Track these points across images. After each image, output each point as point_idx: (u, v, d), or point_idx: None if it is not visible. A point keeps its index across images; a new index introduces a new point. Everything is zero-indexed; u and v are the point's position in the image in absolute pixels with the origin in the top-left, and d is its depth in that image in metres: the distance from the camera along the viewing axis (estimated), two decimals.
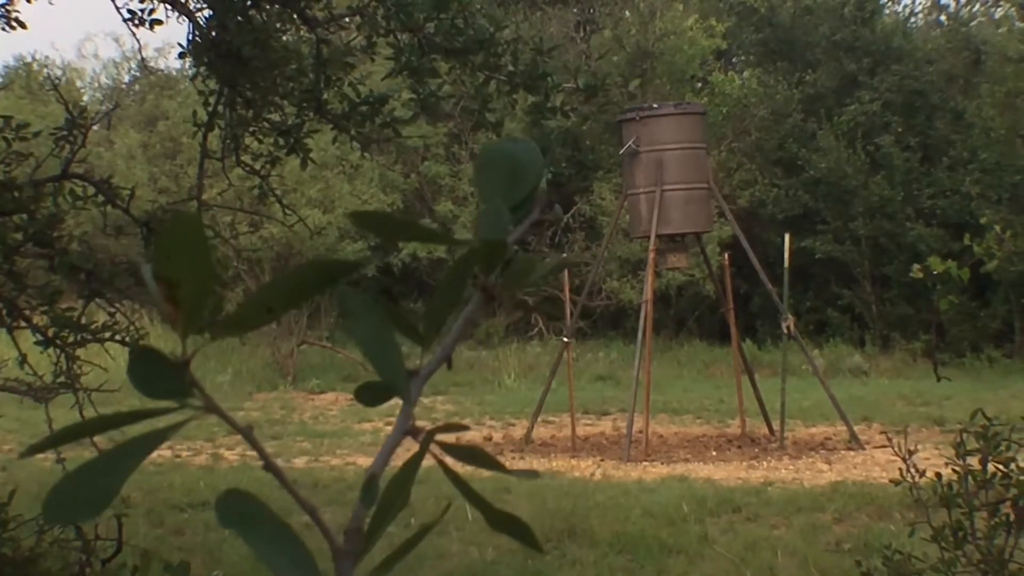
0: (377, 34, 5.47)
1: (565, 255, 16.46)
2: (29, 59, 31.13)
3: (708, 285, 19.97)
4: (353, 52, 5.76)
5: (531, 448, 14.04)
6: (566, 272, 15.48)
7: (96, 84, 32.31)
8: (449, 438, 0.81)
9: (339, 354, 20.44)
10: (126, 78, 30.66)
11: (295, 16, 5.69)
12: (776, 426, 14.12)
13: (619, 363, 20.84)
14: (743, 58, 27.80)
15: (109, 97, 31.11)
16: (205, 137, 5.81)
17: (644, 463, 12.80)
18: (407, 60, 5.26)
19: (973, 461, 4.55)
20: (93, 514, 0.68)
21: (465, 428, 0.77)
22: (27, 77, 29.80)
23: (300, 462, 13.04)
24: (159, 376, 0.70)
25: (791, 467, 12.42)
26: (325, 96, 5.79)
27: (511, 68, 5.19)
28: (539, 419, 14.72)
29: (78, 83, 31.37)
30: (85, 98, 28.77)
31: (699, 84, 25.61)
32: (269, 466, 0.70)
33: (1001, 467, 4.51)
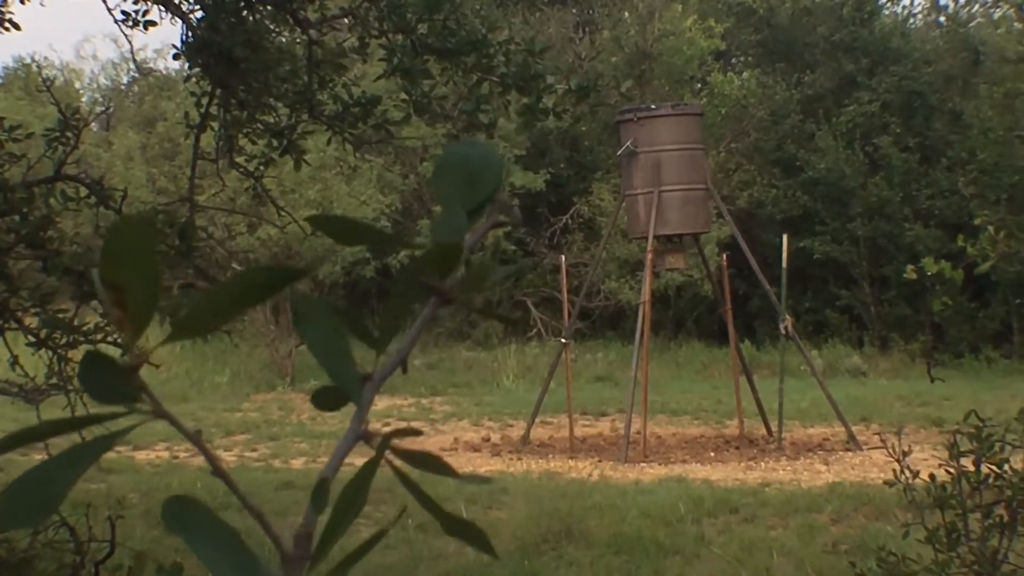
0: (369, 35, 5.46)
1: (562, 256, 16.49)
2: (28, 60, 31.13)
3: (707, 286, 19.96)
4: (346, 53, 5.75)
5: (529, 449, 14.03)
6: (564, 273, 15.46)
7: (95, 85, 32.32)
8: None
9: None
10: (125, 79, 30.68)
11: (288, 17, 5.67)
12: (774, 427, 14.12)
13: (618, 364, 20.83)
14: (742, 59, 27.80)
15: (108, 98, 31.12)
16: (197, 138, 5.80)
17: (642, 464, 12.79)
18: (399, 61, 5.25)
19: (967, 462, 4.55)
20: (40, 519, 0.68)
21: (419, 433, 0.77)
22: (26, 78, 29.80)
23: (298, 463, 13.04)
24: (109, 381, 0.69)
25: (789, 468, 12.41)
26: (319, 97, 5.78)
27: (503, 69, 5.18)
28: (537, 420, 14.71)
29: (77, 84, 31.37)
30: (84, 99, 28.78)
31: (698, 85, 25.61)
32: (218, 472, 0.70)
33: (994, 468, 4.51)
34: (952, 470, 4.54)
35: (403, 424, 16.05)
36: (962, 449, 4.55)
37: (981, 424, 4.52)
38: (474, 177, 0.81)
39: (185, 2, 5.56)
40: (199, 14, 5.50)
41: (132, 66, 27.97)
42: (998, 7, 25.93)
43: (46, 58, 48.94)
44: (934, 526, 4.54)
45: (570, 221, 24.09)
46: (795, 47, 25.31)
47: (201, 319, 0.69)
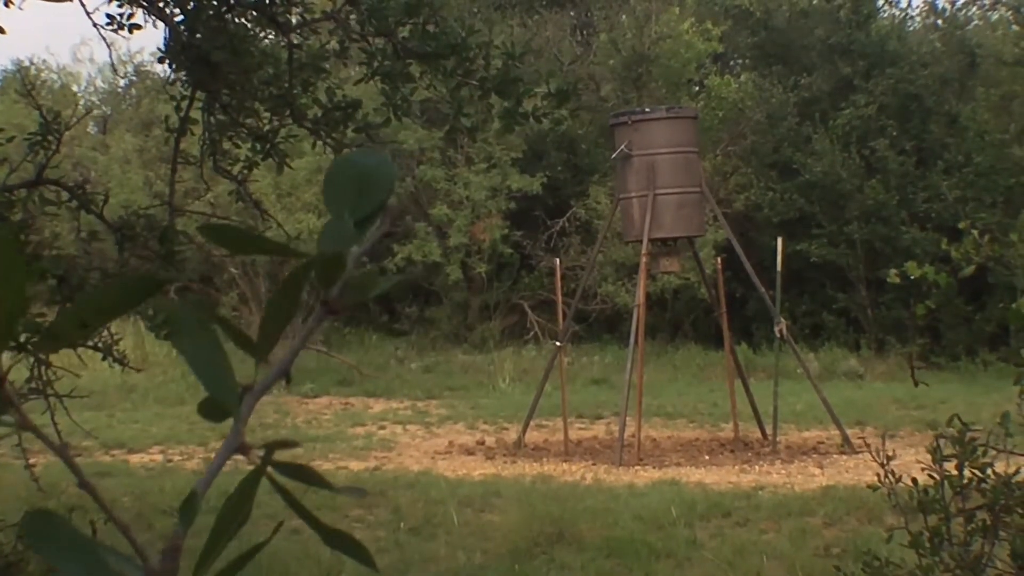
0: (350, 39, 5.46)
1: (557, 259, 16.50)
2: (26, 63, 31.12)
3: (703, 289, 19.95)
4: (327, 57, 5.74)
5: (524, 452, 14.02)
6: (559, 276, 15.45)
7: (92, 88, 32.32)
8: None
9: (333, 358, 20.42)
10: (122, 82, 30.68)
11: (271, 21, 5.65)
12: (769, 430, 14.11)
13: (614, 367, 20.79)
14: (739, 62, 27.79)
15: (105, 101, 31.11)
16: (177, 142, 5.79)
17: (636, 467, 12.78)
18: (379, 65, 5.24)
19: (950, 467, 4.54)
20: None
21: (296, 445, 0.76)
22: (23, 81, 29.78)
23: None
24: None
25: (783, 471, 12.40)
26: (303, 100, 5.77)
27: (483, 73, 5.17)
28: (532, 423, 14.69)
29: (74, 88, 31.36)
30: (81, 102, 28.77)
31: (696, 88, 25.60)
32: (83, 484, 0.69)
33: (978, 473, 4.50)
34: (936, 474, 4.53)
35: (391, 426, 16.04)
36: (945, 453, 4.54)
37: (964, 428, 4.50)
38: (366, 185, 0.80)
39: (168, 5, 5.54)
40: (180, 17, 5.49)
41: (127, 69, 27.96)
42: (995, 10, 25.94)
43: (44, 61, 48.97)
44: (918, 530, 4.53)
45: (567, 224, 24.07)
46: (792, 50, 25.29)
47: (68, 329, 0.69)
